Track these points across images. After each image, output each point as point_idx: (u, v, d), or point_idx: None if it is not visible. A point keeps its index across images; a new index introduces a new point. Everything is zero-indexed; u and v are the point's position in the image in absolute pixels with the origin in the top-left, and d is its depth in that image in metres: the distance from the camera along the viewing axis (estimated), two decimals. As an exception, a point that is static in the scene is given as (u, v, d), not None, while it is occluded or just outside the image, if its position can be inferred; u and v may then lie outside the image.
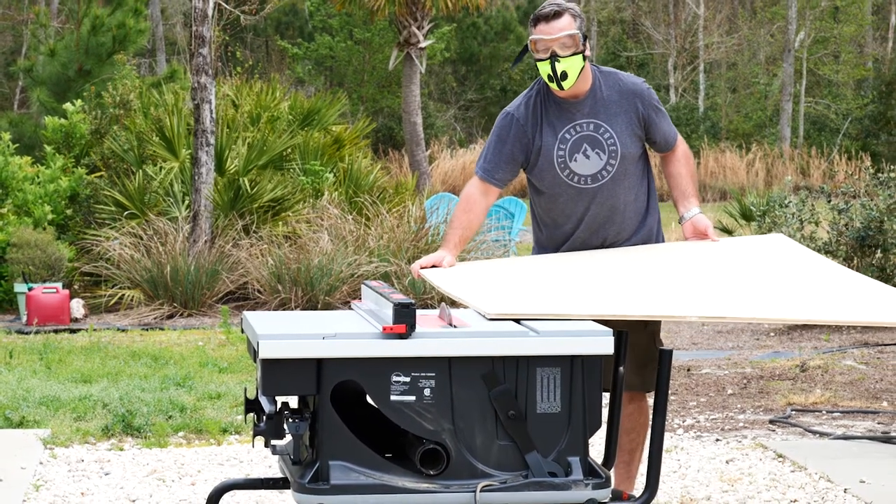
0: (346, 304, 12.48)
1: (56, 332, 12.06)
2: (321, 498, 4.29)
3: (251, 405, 4.59)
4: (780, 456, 6.95)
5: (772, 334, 11.48)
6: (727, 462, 6.89)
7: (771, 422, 7.87)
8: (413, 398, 4.31)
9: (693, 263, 5.23)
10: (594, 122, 5.28)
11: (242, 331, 4.85)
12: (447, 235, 5.40)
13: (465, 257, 12.65)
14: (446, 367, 4.32)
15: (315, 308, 12.63)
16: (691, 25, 41.05)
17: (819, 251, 11.68)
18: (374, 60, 36.32)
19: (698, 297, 4.84)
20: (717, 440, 7.44)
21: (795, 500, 6.09)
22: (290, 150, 14.89)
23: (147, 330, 12.23)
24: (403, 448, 4.54)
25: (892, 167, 12.26)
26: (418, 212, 14.05)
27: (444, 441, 4.33)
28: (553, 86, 5.24)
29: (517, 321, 4.56)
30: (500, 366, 4.34)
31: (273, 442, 4.46)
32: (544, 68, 5.22)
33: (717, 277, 5.06)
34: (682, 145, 5.51)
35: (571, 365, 4.37)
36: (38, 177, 14.28)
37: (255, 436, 4.47)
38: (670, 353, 4.71)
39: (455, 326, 4.43)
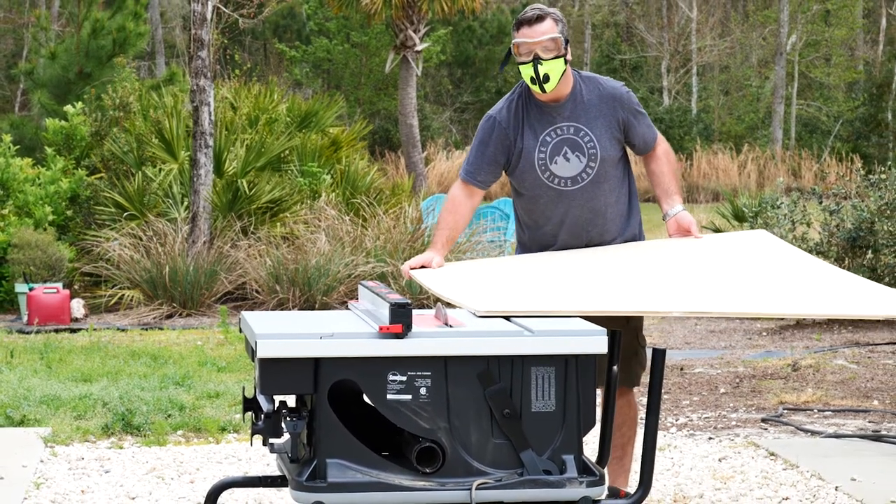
0: (344, 305, 12.48)
1: (56, 331, 12.06)
2: (318, 495, 4.29)
3: (249, 404, 4.60)
4: (772, 454, 6.96)
5: (764, 334, 11.49)
6: (720, 460, 6.90)
7: (763, 420, 7.88)
8: (409, 397, 4.32)
9: (677, 260, 5.28)
10: (574, 126, 5.35)
11: (241, 330, 4.87)
12: (434, 236, 5.48)
13: (462, 258, 12.71)
14: (442, 367, 4.32)
15: (312, 308, 12.64)
16: (684, 29, 41.10)
17: (811, 252, 11.71)
18: (370, 63, 36.33)
19: (683, 293, 4.88)
20: (710, 438, 7.45)
21: (787, 498, 6.10)
22: (287, 151, 14.91)
23: (146, 330, 12.24)
24: (400, 446, 4.54)
25: (882, 169, 12.28)
26: (415, 213, 14.08)
27: (440, 439, 4.34)
28: (535, 88, 5.31)
29: (507, 318, 4.59)
30: (496, 365, 4.35)
31: (271, 440, 4.45)
32: (527, 71, 5.29)
33: (700, 273, 5.10)
34: (662, 144, 5.57)
35: (566, 364, 4.37)
36: (39, 178, 14.29)
37: (253, 434, 4.48)
38: (663, 352, 4.72)
39: (451, 326, 4.45)
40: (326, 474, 4.31)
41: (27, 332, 11.96)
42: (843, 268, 11.79)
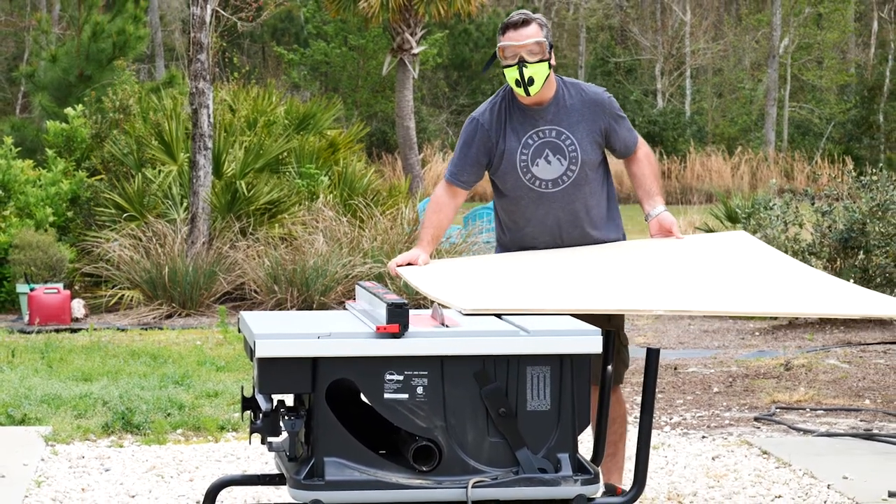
0: (341, 305, 12.49)
1: (57, 331, 12.10)
2: (316, 493, 4.30)
3: (248, 403, 4.61)
4: (764, 452, 6.98)
5: (757, 333, 11.51)
6: (713, 458, 6.92)
7: (756, 419, 7.91)
8: (406, 396, 4.33)
9: (659, 260, 5.33)
10: (556, 129, 5.42)
11: (239, 330, 4.89)
12: (420, 235, 5.55)
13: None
14: (438, 366, 4.34)
15: (310, 308, 12.66)
16: (678, 32, 41.14)
17: (803, 252, 11.75)
18: (368, 66, 36.33)
19: (664, 292, 4.93)
20: (704, 437, 7.48)
21: (780, 496, 6.12)
22: (285, 153, 14.94)
23: (146, 329, 12.28)
24: (397, 445, 4.55)
25: (873, 170, 12.32)
26: (411, 214, 14.11)
27: (436, 438, 4.36)
28: (520, 91, 5.38)
29: (498, 316, 4.62)
30: (492, 364, 4.37)
31: (269, 439, 4.48)
32: (512, 74, 5.36)
33: (682, 273, 5.16)
34: (643, 147, 5.63)
35: (561, 364, 4.39)
36: (40, 180, 14.32)
37: (251, 433, 4.50)
38: (657, 351, 4.74)
39: (447, 326, 4.46)
40: (324, 472, 4.32)
41: (28, 332, 12.00)
42: (835, 268, 11.84)
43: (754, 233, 12.02)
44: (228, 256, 13.41)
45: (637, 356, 9.57)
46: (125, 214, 14.07)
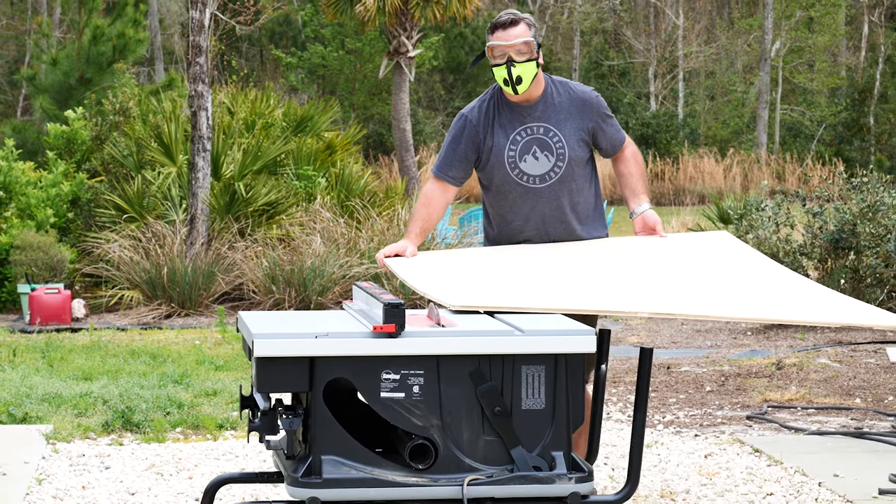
0: (338, 305, 12.51)
1: (58, 331, 12.15)
2: (314, 491, 4.32)
3: (246, 402, 4.62)
4: (756, 451, 7.03)
5: (748, 333, 11.52)
6: (706, 456, 6.96)
7: (748, 418, 7.94)
8: (402, 395, 4.35)
9: (644, 260, 5.39)
10: (544, 126, 5.49)
11: (238, 330, 4.93)
12: (409, 227, 5.63)
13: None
14: (434, 365, 4.36)
15: (308, 308, 12.69)
16: (671, 35, 41.18)
17: (794, 253, 11.77)
18: (364, 69, 36.35)
19: (650, 294, 4.96)
20: (696, 435, 7.51)
21: (771, 494, 6.15)
22: (283, 155, 14.97)
23: (146, 329, 12.31)
24: (393, 443, 4.60)
25: (864, 172, 12.35)
26: (407, 215, 14.11)
27: (432, 436, 4.38)
28: (508, 90, 5.45)
29: (491, 314, 4.66)
30: (487, 364, 4.39)
31: (267, 437, 4.49)
32: (500, 73, 5.43)
33: (666, 274, 5.21)
34: (630, 146, 5.71)
35: (555, 363, 4.41)
36: (41, 181, 14.34)
37: (249, 431, 4.50)
38: (650, 351, 4.76)
39: (443, 326, 4.48)
40: (321, 470, 4.35)
41: (29, 332, 12.04)
42: (826, 269, 11.87)
43: (746, 234, 12.05)
44: (227, 257, 13.45)
45: (630, 356, 9.63)
46: (125, 215, 14.11)
